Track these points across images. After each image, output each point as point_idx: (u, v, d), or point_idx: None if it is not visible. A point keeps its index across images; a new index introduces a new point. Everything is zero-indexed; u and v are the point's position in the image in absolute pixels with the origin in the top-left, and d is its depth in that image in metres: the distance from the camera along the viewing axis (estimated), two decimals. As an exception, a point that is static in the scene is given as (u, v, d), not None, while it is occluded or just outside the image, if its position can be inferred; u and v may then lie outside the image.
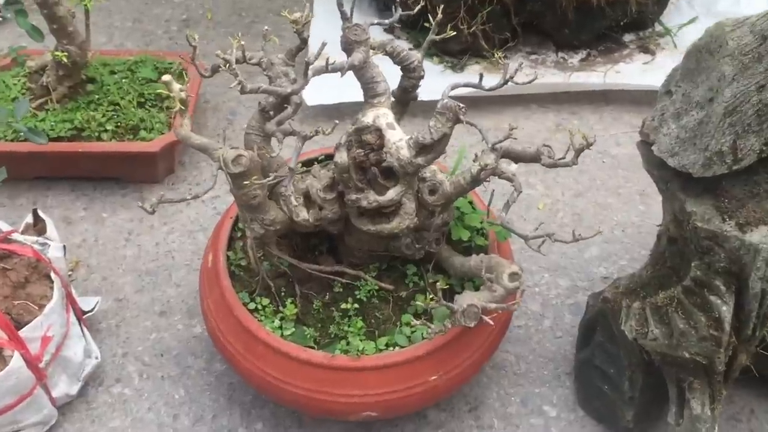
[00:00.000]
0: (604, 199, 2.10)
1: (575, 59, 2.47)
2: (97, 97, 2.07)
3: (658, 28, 2.54)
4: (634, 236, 2.01)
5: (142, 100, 2.10)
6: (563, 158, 1.39)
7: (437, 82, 1.60)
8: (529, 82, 1.44)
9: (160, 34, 2.63)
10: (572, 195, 2.11)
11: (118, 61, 2.18)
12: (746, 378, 1.47)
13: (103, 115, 2.03)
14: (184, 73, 2.18)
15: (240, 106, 2.35)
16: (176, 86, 1.32)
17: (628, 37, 2.53)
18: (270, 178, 1.30)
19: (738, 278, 1.26)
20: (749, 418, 1.64)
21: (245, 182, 1.32)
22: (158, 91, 2.09)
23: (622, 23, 2.46)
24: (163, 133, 2.02)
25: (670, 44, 2.49)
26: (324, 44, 1.21)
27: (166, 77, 1.32)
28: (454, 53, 2.47)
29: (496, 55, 2.41)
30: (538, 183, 2.12)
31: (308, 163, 1.65)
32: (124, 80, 2.12)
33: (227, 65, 1.25)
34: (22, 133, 1.68)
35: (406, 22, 2.51)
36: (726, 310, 1.25)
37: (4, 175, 1.39)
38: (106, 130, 2.01)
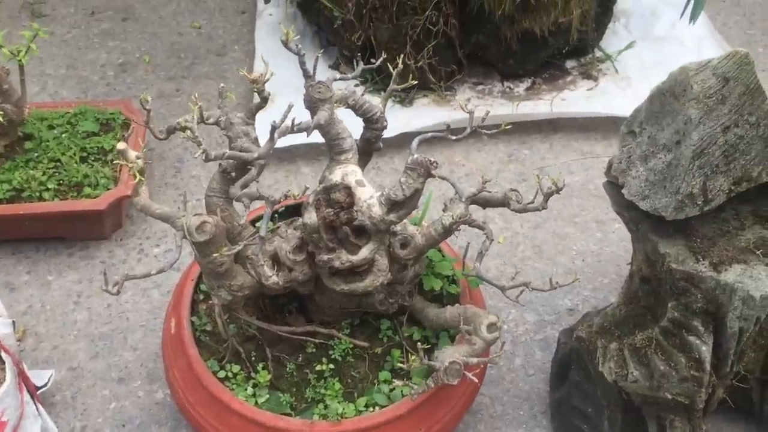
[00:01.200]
0: (562, 229, 2.11)
1: (521, 88, 2.49)
2: (36, 154, 1.97)
3: (598, 53, 2.59)
4: (594, 265, 2.02)
5: (85, 154, 2.01)
6: (532, 203, 1.37)
7: (388, 118, 1.58)
8: (483, 119, 1.42)
9: (96, 80, 2.53)
10: (531, 227, 2.11)
11: (57, 114, 2.09)
12: (721, 408, 1.48)
13: (44, 173, 1.94)
14: (127, 123, 2.10)
15: (186, 153, 2.28)
16: (132, 154, 1.26)
17: (570, 64, 2.56)
18: (239, 246, 1.25)
19: (715, 317, 1.27)
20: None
21: (212, 250, 1.26)
22: (101, 144, 2.02)
23: (564, 51, 2.49)
24: (109, 189, 1.94)
25: (611, 69, 2.54)
26: (291, 106, 1.17)
27: (121, 145, 1.25)
28: (398, 89, 2.45)
29: (443, 89, 2.42)
30: (497, 216, 2.11)
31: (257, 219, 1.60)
32: (64, 135, 2.03)
33: (187, 131, 1.20)
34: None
35: (350, 58, 2.49)
36: (706, 350, 1.26)
37: None
38: (47, 189, 1.92)
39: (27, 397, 1.54)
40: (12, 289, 1.92)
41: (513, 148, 2.36)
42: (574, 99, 2.43)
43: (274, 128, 1.17)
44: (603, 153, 2.32)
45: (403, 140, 2.23)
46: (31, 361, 1.75)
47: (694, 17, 1.25)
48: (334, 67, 2.54)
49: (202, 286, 1.55)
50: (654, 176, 1.28)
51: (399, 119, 2.29)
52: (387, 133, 1.47)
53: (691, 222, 1.30)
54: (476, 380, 1.27)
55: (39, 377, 1.64)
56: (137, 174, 1.23)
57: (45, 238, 2.01)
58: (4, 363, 1.47)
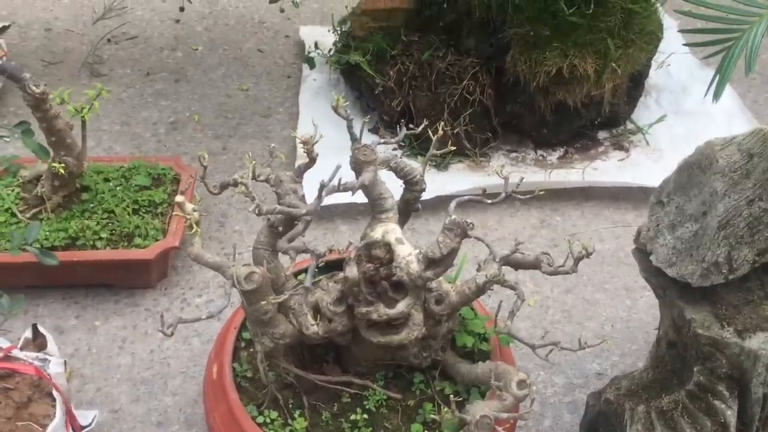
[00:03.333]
0: (592, 295, 2.16)
1: (554, 157, 2.57)
2: (91, 205, 2.09)
3: (629, 126, 2.67)
4: (623, 331, 2.06)
5: (137, 206, 2.12)
6: (562, 266, 1.43)
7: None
8: (518, 185, 1.50)
9: (148, 137, 2.68)
10: (561, 291, 2.16)
11: (112, 168, 2.22)
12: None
13: (98, 223, 2.05)
14: (177, 178, 2.22)
15: (230, 209, 2.39)
16: (189, 207, 1.35)
17: (602, 135, 2.65)
18: (284, 296, 1.33)
19: (739, 383, 1.31)
20: None
21: (258, 299, 1.34)
22: (152, 197, 2.13)
23: (596, 122, 2.58)
24: (158, 240, 2.04)
25: (643, 141, 2.61)
26: (338, 167, 1.26)
27: (179, 198, 1.35)
28: (437, 154, 2.55)
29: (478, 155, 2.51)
30: (527, 280, 2.17)
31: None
32: (118, 188, 2.15)
33: (242, 187, 1.29)
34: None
35: (389, 122, 2.60)
36: (731, 415, 1.30)
37: (22, 305, 1.40)
38: (100, 238, 2.02)
39: (72, 435, 1.61)
40: (61, 332, 2.01)
41: (545, 214, 2.43)
42: (605, 169, 2.51)
43: (322, 187, 1.26)
44: (633, 222, 2.37)
45: (437, 204, 2.31)
46: (77, 402, 1.82)
47: (717, 96, 1.33)
48: (374, 131, 2.65)
49: (244, 334, 1.63)
50: (681, 245, 1.34)
51: (435, 183, 2.38)
52: (423, 196, 1.55)
53: (716, 289, 1.35)
54: (506, 435, 1.31)
55: (84, 417, 1.71)
56: (194, 225, 1.32)
57: (94, 284, 2.10)
58: (54, 401, 1.55)
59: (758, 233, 1.30)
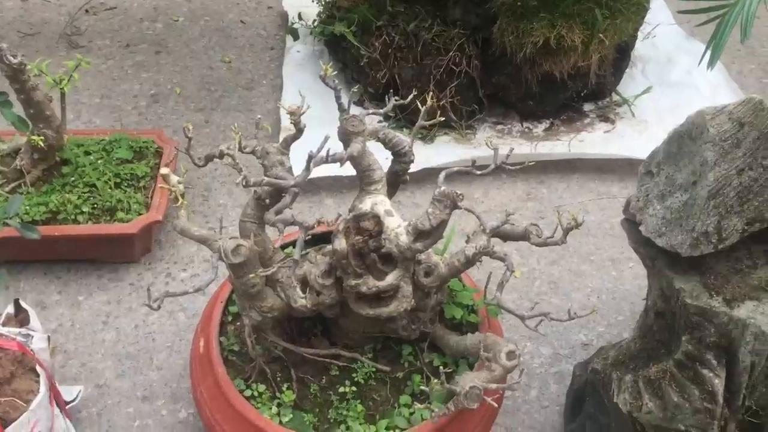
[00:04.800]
0: (578, 267, 2.16)
1: (540, 129, 2.56)
2: (72, 179, 2.05)
3: (615, 97, 2.66)
4: (608, 302, 2.07)
5: (119, 180, 2.08)
6: (551, 237, 1.43)
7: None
8: (507, 156, 1.49)
9: (129, 109, 2.63)
10: (547, 263, 2.16)
11: (92, 141, 2.18)
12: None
13: (79, 197, 2.01)
14: (159, 151, 2.18)
15: (214, 182, 2.36)
16: (174, 178, 1.33)
17: (588, 107, 2.64)
18: (273, 268, 1.31)
19: (727, 351, 1.31)
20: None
21: (246, 272, 1.32)
22: (134, 171, 2.09)
23: (582, 94, 2.57)
24: (141, 214, 2.01)
25: (628, 113, 2.61)
26: (327, 137, 1.24)
27: (164, 170, 1.33)
28: (425, 125, 2.53)
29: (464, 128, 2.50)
30: (514, 252, 2.16)
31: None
32: (99, 161, 2.12)
33: (229, 158, 1.27)
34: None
35: (374, 94, 2.57)
36: (718, 383, 1.30)
37: (5, 280, 1.37)
38: (82, 212, 1.99)
39: (57, 410, 1.59)
40: (44, 308, 1.98)
41: (531, 186, 2.42)
42: (591, 141, 2.50)
43: (311, 158, 1.24)
44: (619, 194, 2.38)
45: (424, 176, 2.30)
46: (60, 378, 1.80)
47: (711, 64, 1.32)
48: (359, 103, 2.62)
49: (231, 308, 1.61)
50: (670, 214, 1.34)
51: (421, 155, 2.34)
52: (410, 168, 1.53)
53: (705, 259, 1.34)
54: (495, 405, 1.31)
55: (68, 392, 1.69)
56: (180, 197, 1.30)
57: (76, 259, 2.07)
58: (38, 376, 1.53)
59: (748, 202, 1.29)
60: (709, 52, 1.31)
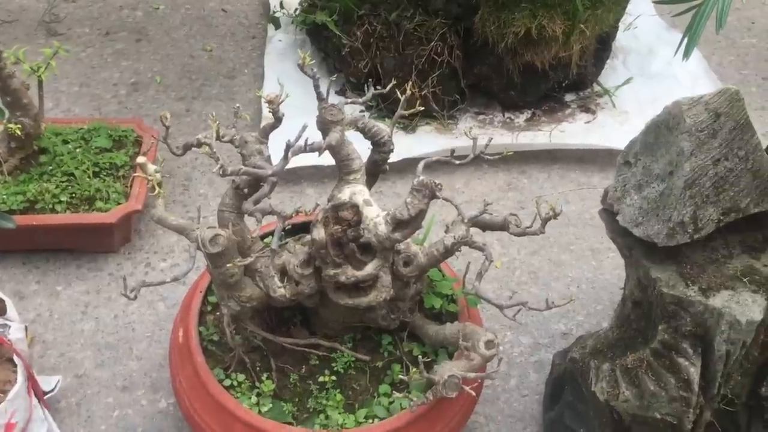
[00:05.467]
0: (558, 256, 2.17)
1: (521, 119, 2.57)
2: (50, 168, 2.03)
3: (596, 88, 2.67)
4: (588, 292, 2.08)
5: (97, 169, 2.07)
6: (530, 227, 1.43)
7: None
8: (486, 146, 1.49)
9: (108, 98, 2.61)
10: (528, 253, 2.17)
11: (71, 130, 2.16)
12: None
13: (57, 186, 1.99)
14: (139, 140, 2.17)
15: (194, 172, 2.35)
16: (151, 167, 1.32)
17: (569, 97, 2.64)
18: (251, 258, 1.31)
19: (703, 340, 1.33)
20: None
21: (224, 262, 1.32)
22: (113, 160, 2.08)
23: (563, 84, 2.57)
24: (120, 203, 2.00)
25: (609, 104, 2.62)
26: (305, 126, 1.24)
27: (141, 159, 1.32)
28: (405, 115, 2.53)
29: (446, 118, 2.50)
30: (494, 242, 2.17)
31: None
32: (77, 150, 2.10)
33: (206, 147, 1.26)
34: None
35: (356, 84, 2.56)
36: (694, 372, 1.32)
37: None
38: (60, 202, 1.97)
39: (35, 401, 1.58)
40: (21, 298, 1.96)
41: (512, 176, 2.43)
42: (572, 131, 2.51)
43: (288, 146, 1.23)
44: (599, 184, 2.39)
45: (405, 166, 2.30)
46: (39, 368, 1.79)
47: (687, 54, 1.33)
48: (341, 93, 2.62)
49: (210, 298, 1.61)
50: (647, 204, 1.35)
51: (402, 145, 2.35)
52: (390, 159, 1.53)
53: (681, 249, 1.36)
54: (473, 393, 1.32)
55: (47, 383, 1.68)
56: (156, 186, 1.29)
57: (55, 249, 2.06)
58: (15, 366, 1.52)
59: (723, 192, 1.30)
60: (684, 43, 1.32)
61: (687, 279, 1.33)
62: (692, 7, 1.33)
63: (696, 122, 1.27)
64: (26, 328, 1.64)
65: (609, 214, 1.45)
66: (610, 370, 1.43)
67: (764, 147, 1.41)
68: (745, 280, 1.34)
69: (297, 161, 2.28)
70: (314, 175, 2.35)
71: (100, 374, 1.82)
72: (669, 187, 1.31)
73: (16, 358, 1.53)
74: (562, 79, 2.54)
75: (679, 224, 1.30)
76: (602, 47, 2.60)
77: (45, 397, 1.65)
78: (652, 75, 2.70)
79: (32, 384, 1.59)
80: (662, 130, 1.33)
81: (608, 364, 1.44)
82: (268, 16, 2.89)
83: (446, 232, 1.43)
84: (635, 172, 1.39)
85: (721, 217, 1.32)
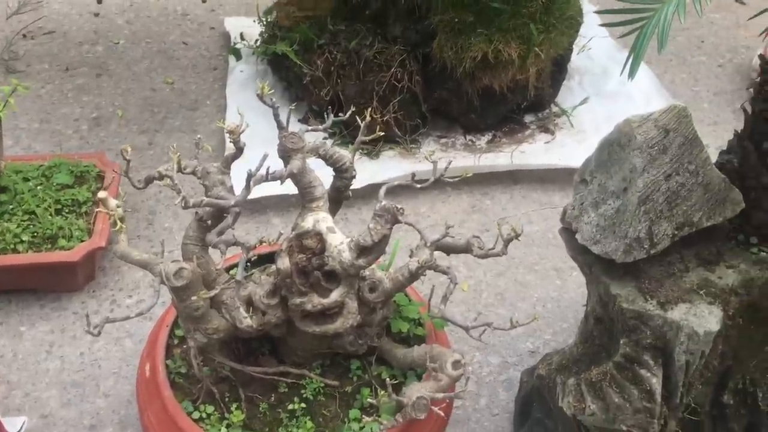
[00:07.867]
0: (523, 277, 2.20)
1: (482, 141, 2.61)
2: (10, 207, 2.01)
3: (554, 109, 2.73)
4: (554, 311, 2.11)
5: (59, 206, 2.05)
6: (493, 248, 1.45)
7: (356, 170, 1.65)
8: (446, 168, 1.51)
9: (69, 134, 2.59)
10: (494, 275, 2.20)
11: (32, 167, 2.14)
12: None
13: (18, 226, 1.98)
14: (101, 175, 2.16)
15: (159, 205, 2.34)
16: (112, 203, 1.32)
17: (528, 119, 2.70)
18: (216, 290, 1.31)
19: (664, 352, 1.35)
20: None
21: (189, 295, 1.32)
22: (75, 196, 2.07)
23: (522, 106, 2.62)
24: (83, 241, 1.98)
25: (567, 123, 2.67)
26: (266, 155, 1.25)
27: (102, 194, 1.32)
28: (366, 140, 2.56)
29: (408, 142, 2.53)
30: (461, 265, 2.19)
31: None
32: (38, 187, 2.08)
33: (167, 180, 1.27)
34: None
35: (319, 112, 2.59)
36: (656, 383, 1.34)
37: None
38: (22, 241, 1.96)
39: (0, 443, 1.56)
40: (-16, 339, 1.94)
41: (476, 199, 2.46)
42: (532, 152, 2.55)
43: (250, 176, 1.24)
44: (560, 203, 2.43)
45: (370, 192, 2.32)
46: (4, 409, 1.77)
47: (632, 74, 1.37)
48: (304, 121, 2.63)
49: (177, 332, 1.60)
50: (604, 221, 1.38)
51: (366, 171, 2.38)
52: (355, 185, 1.55)
53: (639, 265, 1.39)
54: (443, 414, 1.33)
55: (12, 424, 1.66)
56: (118, 221, 1.29)
57: (17, 290, 2.03)
58: (-21, 409, 1.49)
59: (676, 207, 1.34)
60: (630, 63, 1.36)
61: (646, 294, 1.36)
62: (635, 29, 1.37)
63: (646, 138, 1.31)
64: (-11, 370, 1.61)
65: (568, 232, 1.48)
66: (575, 385, 1.45)
67: (715, 161, 1.46)
68: (701, 292, 1.37)
69: (261, 191, 2.30)
70: (280, 204, 2.36)
71: (67, 413, 1.79)
72: (624, 204, 1.34)
73: (-21, 401, 1.50)
74: (521, 101, 2.59)
75: (635, 240, 1.33)
76: (558, 69, 2.66)
77: (10, 439, 1.62)
78: (607, 94, 2.76)
79: (-3, 426, 1.56)
80: (615, 148, 1.36)
81: (574, 379, 1.46)
82: (229, 48, 2.91)
83: (410, 256, 1.44)
84: (591, 190, 1.42)
85: (676, 232, 1.35)
